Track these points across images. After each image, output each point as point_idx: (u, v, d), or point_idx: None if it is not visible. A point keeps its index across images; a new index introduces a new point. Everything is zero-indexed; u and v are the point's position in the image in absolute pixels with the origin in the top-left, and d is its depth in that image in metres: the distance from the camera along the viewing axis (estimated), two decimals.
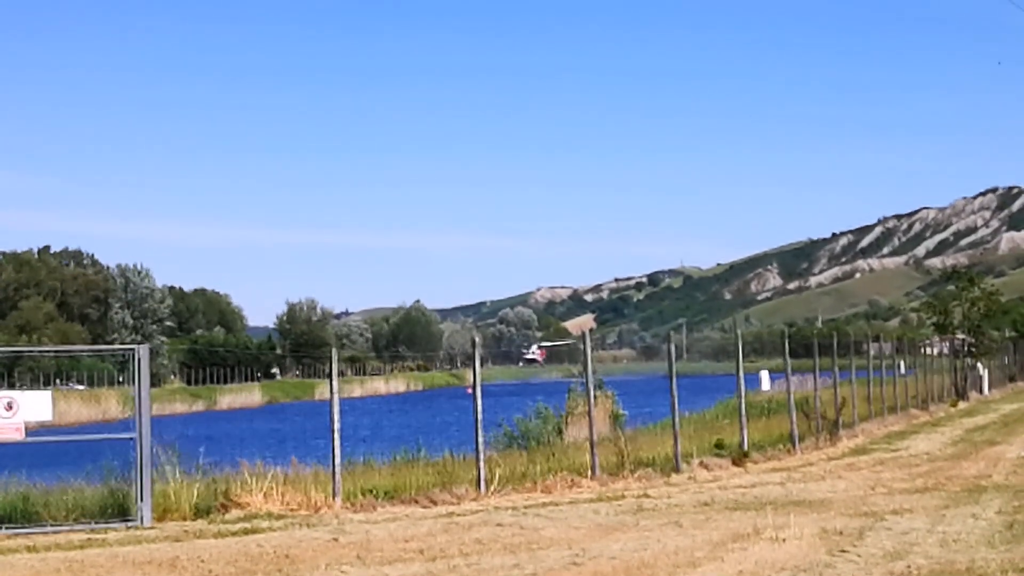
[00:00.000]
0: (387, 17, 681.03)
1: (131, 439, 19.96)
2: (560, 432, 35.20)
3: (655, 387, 29.80)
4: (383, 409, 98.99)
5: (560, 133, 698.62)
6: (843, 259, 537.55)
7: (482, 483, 22.92)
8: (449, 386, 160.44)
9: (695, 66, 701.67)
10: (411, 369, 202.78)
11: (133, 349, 20.60)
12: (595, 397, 27.78)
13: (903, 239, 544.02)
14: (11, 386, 66.34)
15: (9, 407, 19.25)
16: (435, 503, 21.81)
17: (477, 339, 26.72)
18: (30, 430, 19.72)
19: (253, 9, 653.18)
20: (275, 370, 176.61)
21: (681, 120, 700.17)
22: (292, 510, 20.56)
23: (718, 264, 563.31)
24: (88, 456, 23.09)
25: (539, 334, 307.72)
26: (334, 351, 23.48)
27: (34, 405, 19.62)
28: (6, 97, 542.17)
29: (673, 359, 28.78)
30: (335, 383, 22.23)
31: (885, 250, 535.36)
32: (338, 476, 21.47)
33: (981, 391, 66.40)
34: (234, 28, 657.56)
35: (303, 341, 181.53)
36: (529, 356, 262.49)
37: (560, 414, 36.91)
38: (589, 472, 25.00)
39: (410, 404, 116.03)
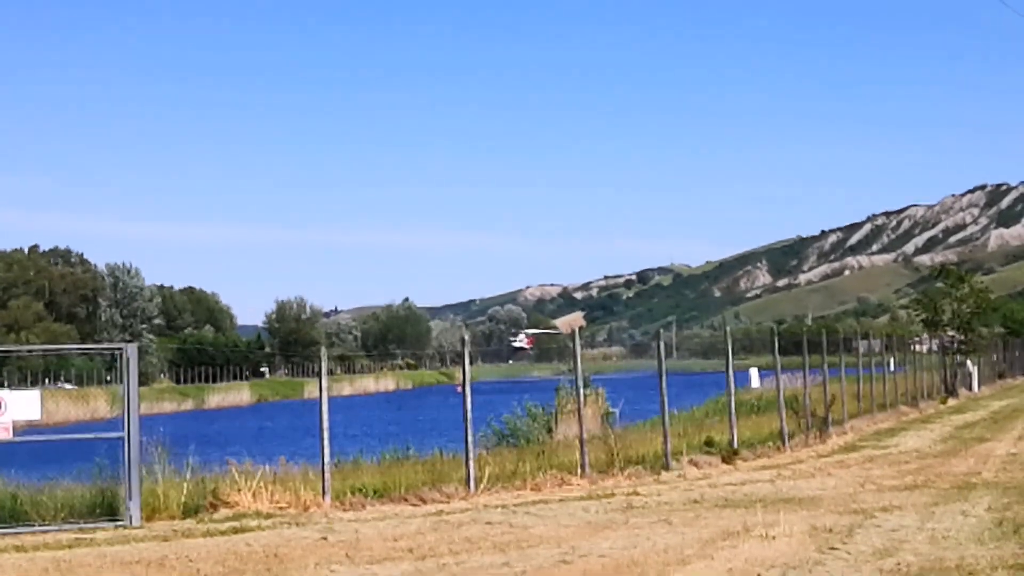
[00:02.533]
0: (379, 16, 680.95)
1: (119, 438, 19.88)
2: (550, 430, 35.19)
3: (645, 385, 29.76)
4: (372, 407, 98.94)
5: (549, 132, 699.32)
6: (832, 256, 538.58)
7: (472, 481, 22.88)
8: (439, 384, 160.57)
9: (684, 65, 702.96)
10: (401, 367, 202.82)
11: (121, 348, 20.53)
12: (585, 395, 27.74)
13: (892, 236, 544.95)
14: None
15: None
16: (424, 502, 21.76)
17: (466, 337, 26.71)
18: (19, 429, 19.64)
19: (243, 8, 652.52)
20: (264, 369, 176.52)
21: (670, 118, 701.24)
22: (281, 509, 20.50)
23: (707, 262, 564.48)
24: (77, 455, 23.04)
25: (533, 334, 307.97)
26: (323, 350, 23.46)
27: (22, 404, 19.52)
28: None
29: (663, 357, 28.75)
30: (324, 382, 22.18)
31: (874, 247, 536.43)
32: (327, 475, 21.41)
33: (971, 388, 66.50)
34: (223, 27, 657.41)
35: (292, 340, 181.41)
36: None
37: (549, 412, 36.89)
38: (579, 470, 24.97)
39: (400, 402, 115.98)
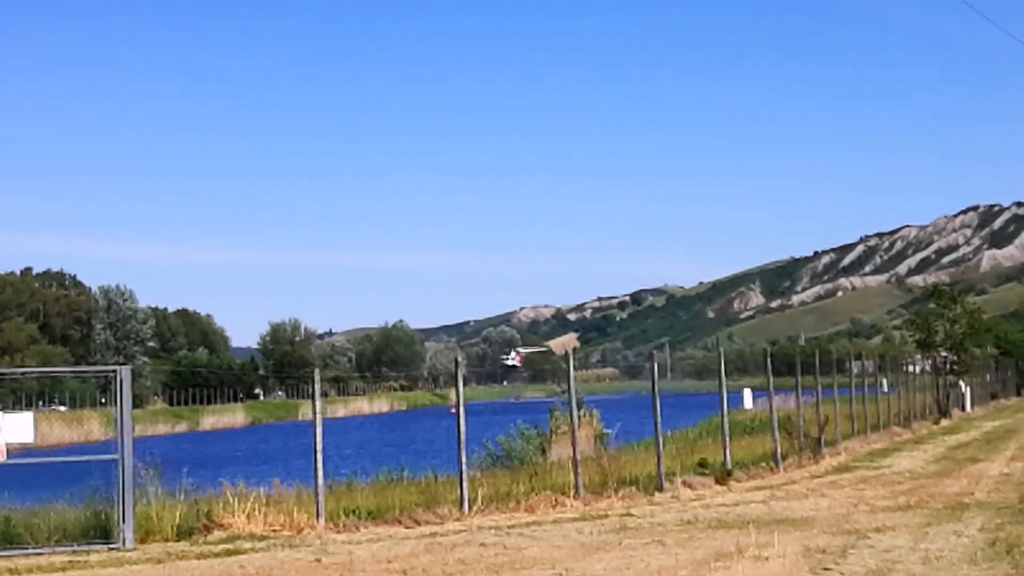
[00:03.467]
0: (369, 36, 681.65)
1: (113, 460, 19.88)
2: (544, 451, 35.20)
3: (639, 406, 29.75)
4: (367, 429, 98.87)
5: (543, 153, 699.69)
6: (825, 277, 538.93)
7: (465, 503, 22.87)
8: (433, 406, 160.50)
9: (677, 86, 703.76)
10: (395, 389, 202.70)
11: (115, 370, 20.52)
12: (578, 417, 27.76)
13: (885, 257, 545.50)
14: None
15: None
16: (418, 523, 21.75)
17: (460, 358, 26.73)
18: (13, 452, 19.64)
19: (234, 30, 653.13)
20: (258, 391, 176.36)
21: (663, 139, 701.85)
22: (275, 531, 20.49)
23: (701, 283, 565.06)
24: (71, 478, 23.01)
25: (525, 352, 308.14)
26: (316, 372, 23.38)
27: (15, 427, 19.53)
28: None
29: (655, 378, 28.75)
30: (318, 404, 22.16)
31: (867, 268, 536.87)
32: (321, 497, 21.40)
33: (963, 408, 66.59)
34: (215, 49, 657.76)
35: (286, 361, 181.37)
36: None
37: (543, 433, 36.91)
38: (573, 491, 24.96)
39: (394, 424, 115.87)
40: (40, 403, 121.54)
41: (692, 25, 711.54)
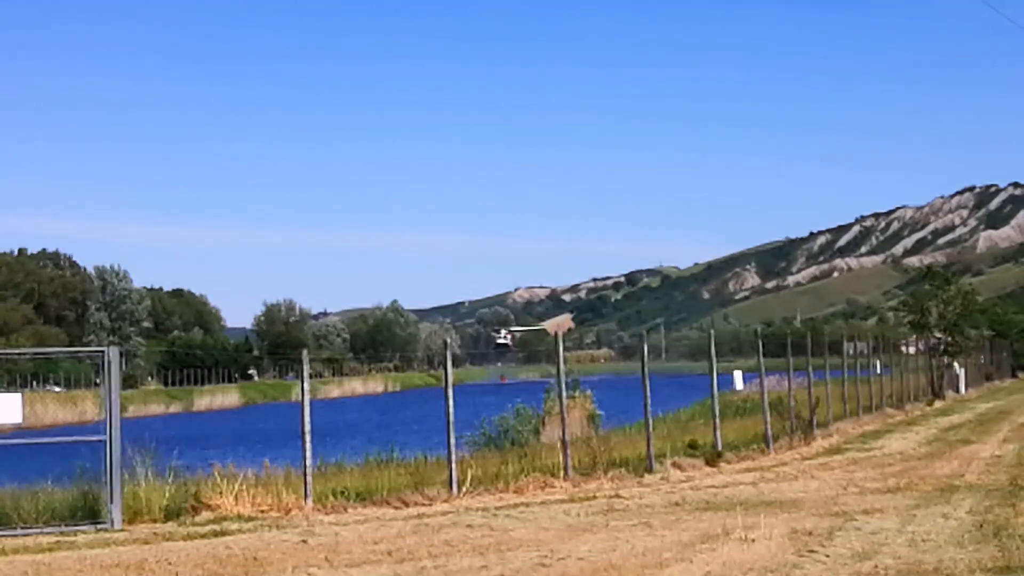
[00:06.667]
0: (368, 18, 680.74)
1: (101, 441, 19.85)
2: (537, 432, 35.23)
3: (634, 387, 29.78)
4: (360, 409, 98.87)
5: (537, 133, 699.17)
6: (821, 258, 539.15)
7: (454, 484, 22.88)
8: (427, 386, 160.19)
9: (673, 67, 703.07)
10: (389, 370, 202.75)
11: (103, 351, 20.49)
12: (572, 398, 27.78)
13: (881, 238, 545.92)
14: None
15: None
16: (406, 504, 21.76)
17: (448, 340, 26.77)
18: (4, 432, 19.63)
19: (229, 12, 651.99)
20: (252, 371, 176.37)
21: (658, 120, 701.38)
22: (262, 512, 20.48)
23: (696, 264, 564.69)
24: (61, 458, 22.99)
25: (518, 333, 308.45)
26: (304, 352, 23.37)
27: (4, 408, 19.50)
28: None
29: (646, 359, 28.74)
30: (306, 384, 22.15)
31: (863, 249, 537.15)
32: (309, 478, 21.39)
33: (958, 390, 66.59)
34: (212, 29, 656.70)
35: (281, 342, 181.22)
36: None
37: (537, 414, 36.95)
38: (562, 473, 24.98)
39: (387, 404, 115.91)
40: (35, 383, 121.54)
41: (687, 5, 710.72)
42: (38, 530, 18.98)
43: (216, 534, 18.38)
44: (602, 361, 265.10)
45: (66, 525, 19.28)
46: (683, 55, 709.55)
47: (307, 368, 22.48)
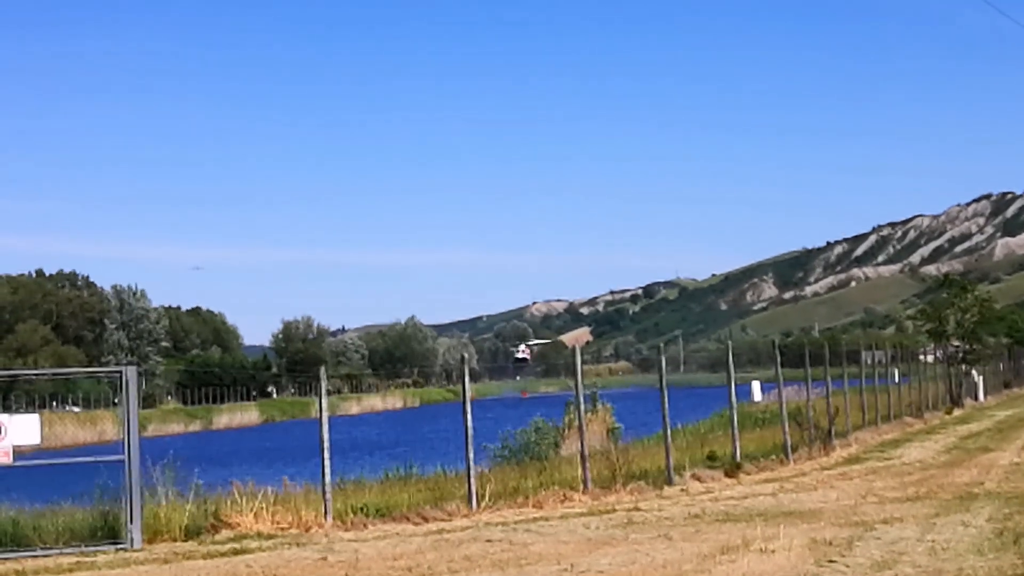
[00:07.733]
0: (379, 34, 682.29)
1: (120, 461, 19.88)
2: (557, 445, 35.24)
3: (653, 399, 29.84)
4: (378, 425, 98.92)
5: (554, 147, 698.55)
6: (838, 268, 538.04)
7: (473, 499, 22.88)
8: (446, 402, 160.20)
9: (688, 76, 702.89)
10: (407, 385, 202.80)
11: (120, 371, 20.52)
12: (591, 411, 27.79)
13: (898, 247, 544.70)
14: (6, 409, 66.19)
15: None
16: (426, 520, 21.75)
17: (466, 355, 26.80)
18: (22, 454, 19.65)
19: (249, 32, 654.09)
20: (271, 389, 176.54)
21: (674, 131, 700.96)
22: (282, 530, 20.49)
23: (713, 275, 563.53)
24: (80, 479, 23.02)
25: (536, 347, 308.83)
26: (322, 369, 23.43)
27: (22, 429, 19.55)
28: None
29: (664, 371, 28.79)
30: (324, 401, 22.20)
31: (880, 258, 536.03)
32: (328, 495, 21.42)
33: (976, 398, 66.47)
34: (225, 48, 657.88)
35: (299, 359, 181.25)
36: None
37: (557, 428, 36.97)
38: (581, 486, 24.98)
39: (406, 420, 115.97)
40: (54, 404, 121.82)
41: (702, 15, 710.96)
42: (58, 550, 19.01)
43: (236, 552, 18.39)
44: (620, 374, 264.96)
45: (86, 545, 19.31)
46: (699, 67, 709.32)
47: (325, 385, 22.53)
